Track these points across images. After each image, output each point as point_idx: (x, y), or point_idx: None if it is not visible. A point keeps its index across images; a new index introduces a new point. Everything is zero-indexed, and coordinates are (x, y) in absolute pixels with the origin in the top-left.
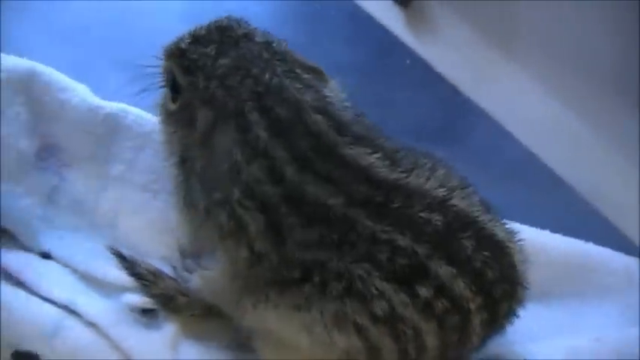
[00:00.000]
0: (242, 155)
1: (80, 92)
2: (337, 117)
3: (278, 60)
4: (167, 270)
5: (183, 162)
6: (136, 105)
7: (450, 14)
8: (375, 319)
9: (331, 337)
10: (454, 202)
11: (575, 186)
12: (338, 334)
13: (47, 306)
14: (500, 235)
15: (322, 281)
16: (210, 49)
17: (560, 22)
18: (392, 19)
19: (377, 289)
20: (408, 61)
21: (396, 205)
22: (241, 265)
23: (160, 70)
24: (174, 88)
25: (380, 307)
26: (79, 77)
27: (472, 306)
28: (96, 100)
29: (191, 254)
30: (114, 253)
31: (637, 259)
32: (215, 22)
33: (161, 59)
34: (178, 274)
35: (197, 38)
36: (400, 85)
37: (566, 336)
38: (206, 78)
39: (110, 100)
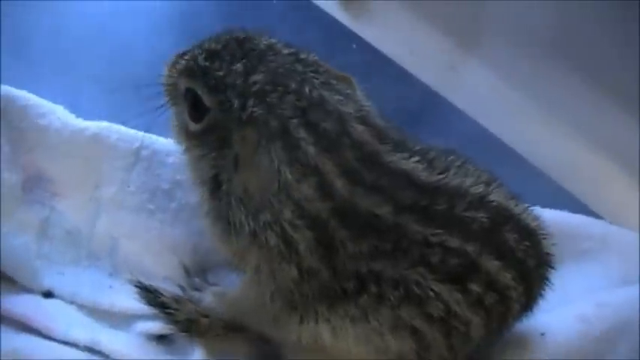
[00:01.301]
0: (292, 174)
1: (60, 115)
2: (376, 125)
3: (312, 72)
4: (173, 290)
5: (218, 185)
6: (118, 121)
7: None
8: (430, 320)
9: (388, 344)
10: (492, 197)
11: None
12: (394, 340)
13: (68, 350)
14: (532, 224)
15: (379, 291)
16: (238, 66)
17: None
18: (332, 5)
19: (433, 291)
20: (354, 46)
21: (441, 207)
22: (287, 284)
23: (167, 88)
24: (195, 108)
25: (436, 309)
26: (54, 97)
27: (514, 294)
28: (77, 122)
29: (196, 272)
30: (136, 286)
31: (607, 223)
32: (229, 34)
33: (172, 77)
34: (188, 294)
35: (214, 54)
36: (349, 69)
37: (570, 304)
38: (240, 96)
39: (89, 118)
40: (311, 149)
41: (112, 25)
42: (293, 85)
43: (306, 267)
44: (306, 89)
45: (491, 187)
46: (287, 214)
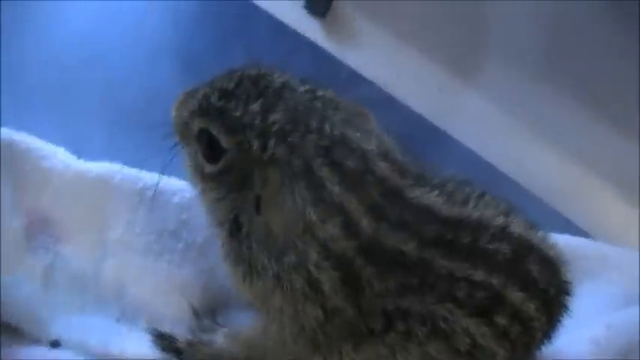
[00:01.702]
0: (317, 214)
1: (62, 157)
2: (397, 160)
3: (332, 109)
4: (183, 331)
5: (238, 227)
6: (120, 160)
7: (367, 19)
8: (457, 354)
9: None
10: (513, 228)
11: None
12: None
13: None
14: (552, 253)
15: (406, 327)
16: (255, 105)
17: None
18: (313, 31)
19: (460, 326)
20: (342, 72)
21: (465, 241)
22: (311, 324)
23: (178, 129)
24: (211, 148)
25: (463, 343)
26: (52, 136)
27: (538, 324)
28: (80, 164)
29: (205, 313)
30: (152, 334)
31: (606, 243)
32: (242, 72)
33: (182, 117)
34: (199, 336)
35: (228, 92)
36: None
37: (581, 327)
38: (260, 137)
39: (90, 158)
40: (336, 188)
41: (104, 58)
42: (314, 124)
43: (331, 307)
44: (327, 127)
45: (511, 218)
46: (313, 255)
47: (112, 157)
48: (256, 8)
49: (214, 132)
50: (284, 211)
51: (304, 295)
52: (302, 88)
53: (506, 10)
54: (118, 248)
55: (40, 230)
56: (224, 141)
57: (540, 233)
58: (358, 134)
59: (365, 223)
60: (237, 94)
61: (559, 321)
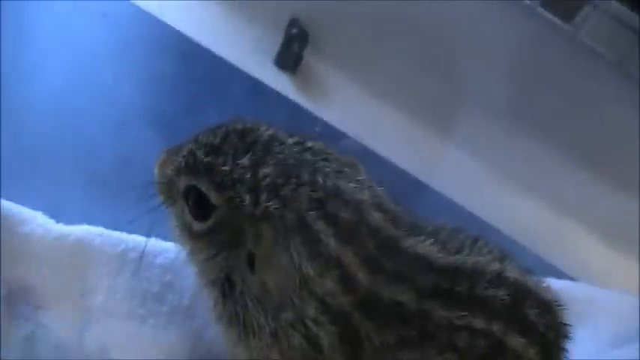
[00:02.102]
0: (314, 269)
1: (41, 221)
2: (390, 210)
3: (322, 160)
4: None
5: (231, 286)
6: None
7: (339, 72)
8: None
9: None
10: (508, 273)
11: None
12: None
13: None
14: (548, 296)
15: None
16: (244, 159)
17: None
18: (284, 87)
19: None
20: (316, 129)
21: (462, 289)
22: None
23: (161, 187)
24: (199, 206)
25: None
26: (28, 201)
27: None
28: (59, 227)
29: None
30: None
31: (591, 285)
32: (227, 127)
33: (166, 175)
34: None
35: (214, 148)
36: None
37: None
38: (251, 192)
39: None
40: (332, 241)
41: (77, 123)
42: (306, 176)
43: None
44: (320, 179)
45: (506, 263)
46: (310, 311)
47: (90, 221)
48: (228, 66)
49: (203, 189)
50: (279, 268)
51: (302, 352)
52: (290, 141)
53: (478, 60)
54: (100, 315)
55: (20, 299)
56: (213, 197)
57: (535, 278)
58: (351, 185)
59: (361, 275)
60: (225, 149)
61: None
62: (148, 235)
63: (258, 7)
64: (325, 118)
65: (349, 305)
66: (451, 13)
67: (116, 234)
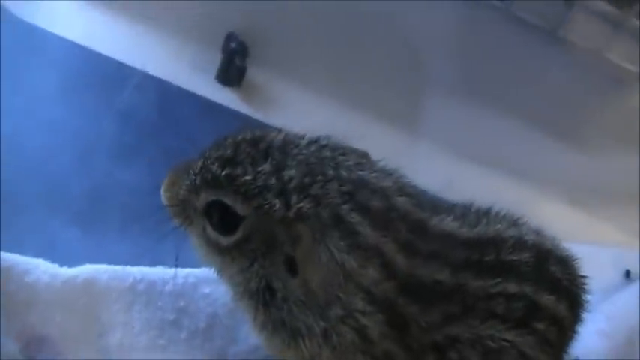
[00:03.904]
0: (355, 261)
1: (44, 268)
2: (412, 193)
3: (341, 155)
4: None
5: (272, 294)
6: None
7: (282, 79)
8: None
9: None
10: (527, 237)
11: None
12: None
13: None
14: (564, 252)
15: (459, 356)
16: (265, 166)
17: None
18: (232, 101)
19: (507, 340)
20: None
21: (490, 258)
22: None
23: (174, 210)
24: (224, 220)
25: (512, 357)
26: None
27: (568, 323)
28: (64, 271)
29: None
30: None
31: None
32: (234, 138)
33: (178, 195)
34: None
35: (229, 160)
36: None
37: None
38: (280, 196)
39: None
40: (368, 231)
41: (43, 165)
42: (331, 172)
43: (382, 352)
44: (344, 173)
45: (520, 227)
46: (358, 303)
47: (83, 259)
48: (177, 89)
49: (228, 201)
50: (322, 266)
51: (354, 346)
52: (304, 142)
53: (422, 48)
54: (121, 352)
55: (37, 350)
56: (240, 208)
57: (548, 236)
58: (374, 174)
59: (400, 260)
60: (240, 160)
61: (581, 317)
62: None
63: (194, 26)
64: (278, 126)
65: (393, 291)
66: (389, 5)
67: (120, 268)
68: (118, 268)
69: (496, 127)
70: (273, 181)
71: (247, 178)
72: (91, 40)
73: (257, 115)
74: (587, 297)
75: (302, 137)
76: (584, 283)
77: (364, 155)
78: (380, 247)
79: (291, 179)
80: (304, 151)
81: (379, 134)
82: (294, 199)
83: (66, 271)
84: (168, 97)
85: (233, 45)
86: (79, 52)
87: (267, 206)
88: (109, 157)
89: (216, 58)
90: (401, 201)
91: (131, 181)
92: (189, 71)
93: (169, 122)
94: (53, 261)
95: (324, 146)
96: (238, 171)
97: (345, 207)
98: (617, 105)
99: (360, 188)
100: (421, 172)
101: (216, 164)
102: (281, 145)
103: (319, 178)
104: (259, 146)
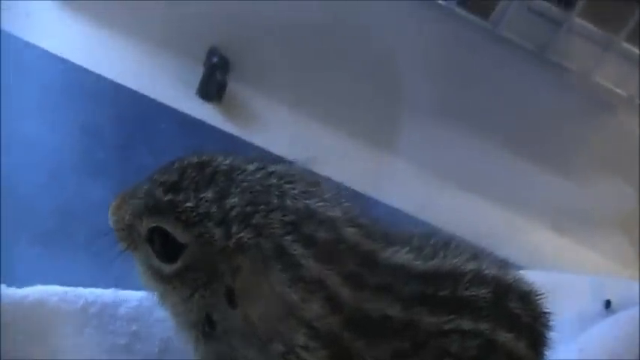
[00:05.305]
0: (298, 294)
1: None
2: (363, 224)
3: (287, 182)
4: None
5: (212, 326)
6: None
7: (263, 96)
8: None
9: None
10: (486, 271)
11: None
12: None
13: None
14: (526, 287)
15: None
16: (208, 193)
17: None
18: (212, 117)
19: None
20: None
21: (445, 293)
22: None
23: (120, 234)
24: (165, 247)
25: None
26: None
27: None
28: (13, 291)
29: None
30: None
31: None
32: (181, 162)
33: (123, 220)
34: None
35: (173, 185)
36: None
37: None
38: (220, 225)
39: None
40: (312, 263)
41: (8, 181)
42: (275, 201)
43: None
44: (289, 202)
45: (481, 260)
46: (300, 338)
47: (41, 280)
48: (154, 103)
49: (168, 228)
50: (262, 299)
51: None
52: (251, 167)
53: (405, 66)
54: None
55: None
56: (180, 236)
57: (511, 270)
58: (321, 204)
59: (346, 294)
60: (184, 185)
61: (544, 354)
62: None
63: (175, 40)
64: (257, 143)
65: (338, 326)
66: (371, 23)
67: (72, 289)
68: (69, 289)
69: (479, 150)
70: (214, 209)
71: (189, 204)
72: (68, 52)
73: (236, 131)
74: (552, 334)
75: (250, 162)
76: (547, 320)
77: (315, 183)
78: (323, 280)
79: (233, 207)
80: (249, 178)
81: (358, 153)
82: (234, 228)
83: (14, 292)
84: (145, 112)
85: (215, 59)
86: (56, 63)
87: (207, 235)
88: (79, 174)
89: (199, 73)
90: (350, 232)
91: (101, 199)
92: (169, 85)
93: (144, 137)
94: (10, 281)
95: (271, 173)
96: (180, 197)
97: (288, 238)
98: (604, 130)
99: (306, 218)
100: (400, 196)
101: (161, 189)
102: (226, 170)
103: (262, 207)
104: (205, 171)
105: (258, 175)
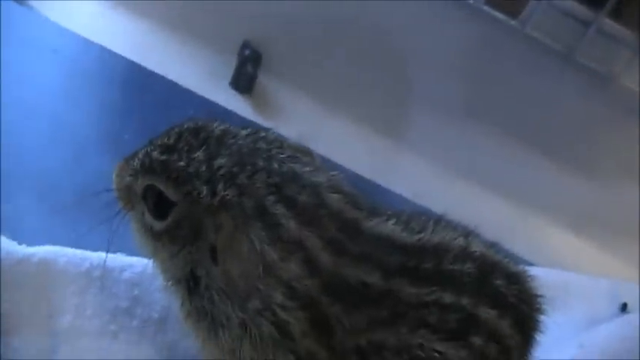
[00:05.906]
0: (276, 253)
1: (4, 244)
2: (349, 192)
3: (276, 147)
4: None
5: (196, 282)
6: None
7: (292, 89)
8: None
9: None
10: (473, 248)
11: None
12: None
13: None
14: (514, 268)
15: None
16: (198, 154)
17: None
18: (241, 108)
19: (437, 351)
20: None
21: (429, 265)
22: None
23: (120, 194)
24: (158, 205)
25: None
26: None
27: (513, 343)
28: (22, 249)
29: None
30: None
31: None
32: (180, 127)
33: (124, 180)
34: None
35: (169, 147)
36: None
37: (552, 350)
38: (207, 183)
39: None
40: (292, 224)
41: (31, 154)
42: (260, 163)
43: (303, 351)
44: (275, 165)
45: (470, 239)
46: (277, 296)
47: (53, 242)
48: (183, 91)
49: (160, 186)
50: (242, 256)
51: (274, 341)
52: (243, 133)
53: (430, 63)
54: (70, 335)
55: None
56: (171, 194)
57: (499, 251)
58: (307, 169)
59: (325, 258)
60: (179, 147)
61: (534, 339)
62: (109, 249)
63: (210, 32)
64: (284, 135)
65: (316, 289)
66: (399, 20)
67: (79, 252)
68: (77, 251)
69: (503, 150)
70: (203, 168)
71: (180, 164)
72: (104, 38)
73: (264, 123)
74: (542, 317)
75: (244, 129)
76: (537, 303)
77: (306, 152)
78: (303, 241)
79: (220, 167)
80: (240, 142)
81: (384, 149)
82: (220, 187)
83: (23, 249)
84: (173, 99)
85: (247, 52)
86: (91, 48)
87: (195, 192)
88: (104, 153)
89: (230, 65)
90: (333, 198)
91: None
92: (201, 75)
93: (171, 123)
94: (20, 239)
95: (262, 138)
96: (174, 157)
97: (270, 198)
98: (631, 135)
99: (289, 181)
100: (426, 193)
101: (157, 150)
102: (219, 135)
103: (248, 168)
104: (200, 135)
105: (249, 140)
